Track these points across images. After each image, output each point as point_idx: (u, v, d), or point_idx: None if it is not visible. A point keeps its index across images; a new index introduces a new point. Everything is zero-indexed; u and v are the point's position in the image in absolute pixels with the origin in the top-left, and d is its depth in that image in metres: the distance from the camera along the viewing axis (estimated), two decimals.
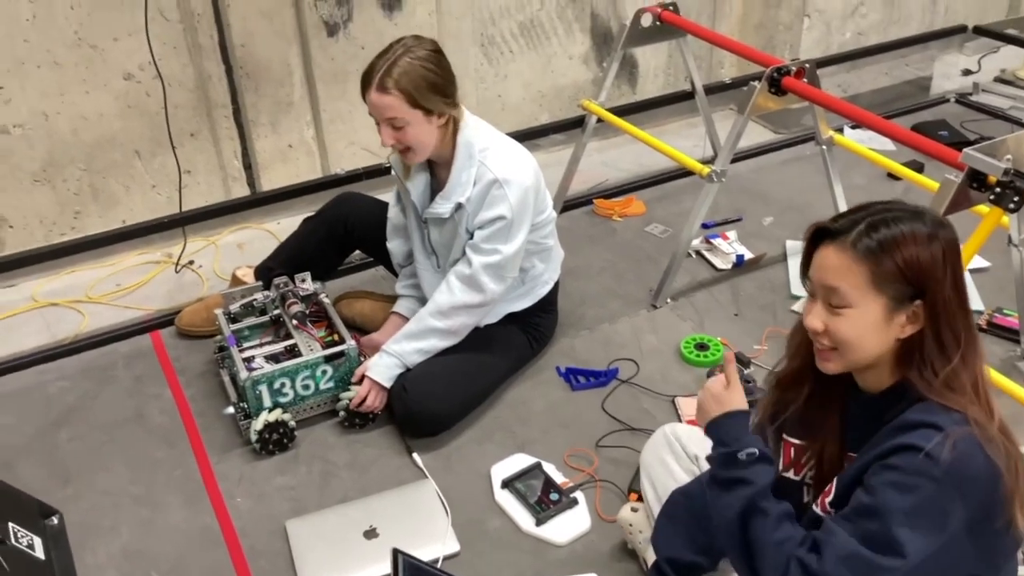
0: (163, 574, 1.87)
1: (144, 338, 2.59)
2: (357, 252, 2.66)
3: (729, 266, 2.86)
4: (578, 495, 2.00)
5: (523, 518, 1.95)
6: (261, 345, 2.29)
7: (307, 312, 2.33)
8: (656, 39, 3.03)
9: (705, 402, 1.42)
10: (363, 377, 2.17)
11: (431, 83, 2.01)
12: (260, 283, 2.42)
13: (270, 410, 2.13)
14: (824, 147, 2.76)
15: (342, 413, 2.20)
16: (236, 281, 2.55)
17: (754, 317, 2.63)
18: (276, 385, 2.14)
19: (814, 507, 1.36)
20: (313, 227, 2.52)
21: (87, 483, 2.09)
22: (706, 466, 1.63)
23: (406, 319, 2.32)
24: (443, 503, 1.99)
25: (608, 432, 2.19)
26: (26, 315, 2.71)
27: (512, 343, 2.36)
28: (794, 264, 2.86)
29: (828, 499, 1.33)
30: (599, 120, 3.01)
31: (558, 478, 2.04)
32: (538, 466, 2.07)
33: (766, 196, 3.29)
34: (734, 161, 2.70)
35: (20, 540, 1.77)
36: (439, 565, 1.84)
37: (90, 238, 2.81)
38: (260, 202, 3.05)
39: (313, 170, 3.19)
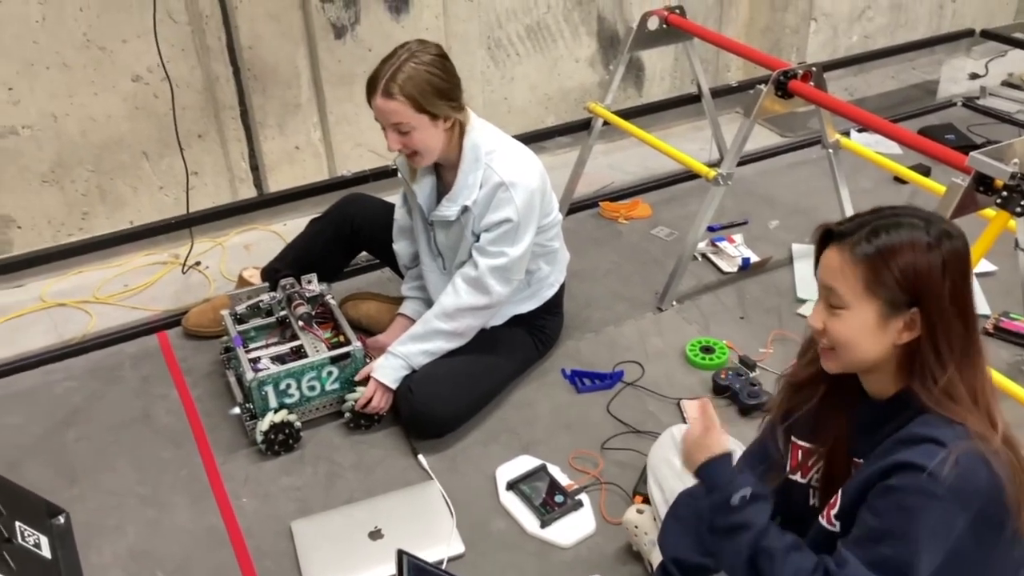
0: (169, 574, 1.88)
1: (151, 339, 2.60)
2: (363, 254, 2.66)
3: (735, 269, 2.86)
4: (583, 497, 2.00)
5: (528, 520, 1.95)
6: (267, 346, 2.30)
7: (313, 313, 2.34)
8: (662, 42, 3.03)
9: (689, 449, 1.44)
10: (368, 378, 2.18)
11: (436, 88, 2.01)
12: (266, 284, 2.43)
13: (276, 411, 2.13)
14: (830, 150, 2.75)
15: (348, 414, 2.21)
16: (243, 282, 2.56)
17: (760, 320, 2.63)
18: (282, 386, 2.15)
19: (820, 519, 1.36)
20: (320, 228, 2.52)
21: (93, 483, 2.10)
22: None
23: (412, 321, 2.32)
24: (448, 504, 1.99)
25: (613, 435, 2.19)
26: (34, 315, 2.72)
27: (518, 345, 2.36)
28: (800, 267, 2.86)
29: (833, 511, 1.33)
30: (605, 123, 3.02)
31: (563, 480, 2.04)
32: (543, 468, 2.07)
33: (772, 199, 3.29)
34: (740, 164, 2.69)
35: (27, 539, 1.78)
36: (444, 566, 1.84)
37: (98, 239, 2.82)
38: (267, 203, 3.06)
39: (320, 172, 3.19)
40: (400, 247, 2.43)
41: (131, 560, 1.91)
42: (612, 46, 3.61)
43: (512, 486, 2.03)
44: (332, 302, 2.39)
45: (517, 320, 2.34)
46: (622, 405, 2.29)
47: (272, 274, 2.46)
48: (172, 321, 2.64)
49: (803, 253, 2.93)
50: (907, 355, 1.28)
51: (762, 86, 2.46)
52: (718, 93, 3.41)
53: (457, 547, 1.89)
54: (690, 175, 3.25)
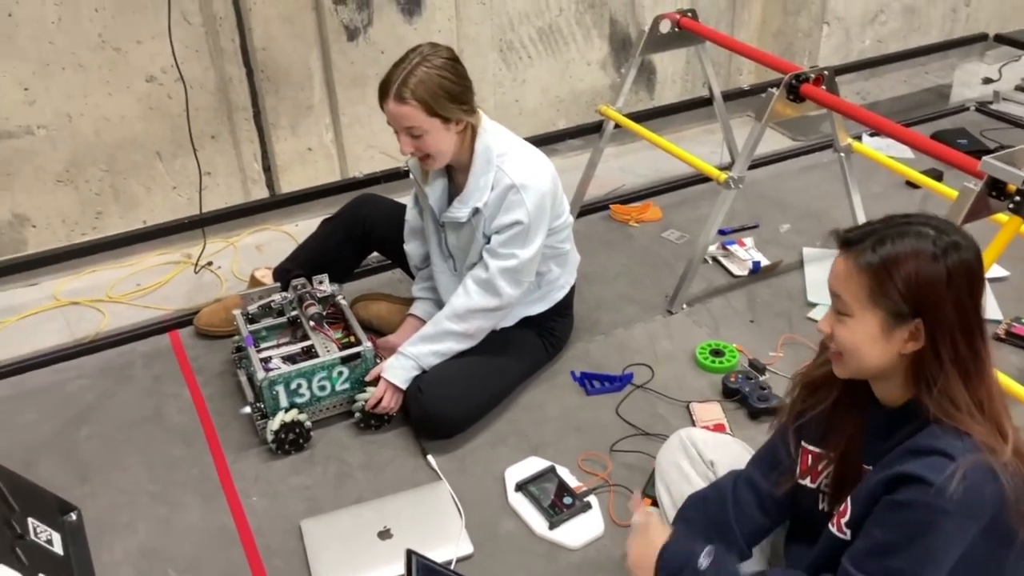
0: (179, 572, 1.89)
1: (163, 338, 2.61)
2: (375, 254, 2.67)
3: (745, 273, 2.85)
4: (592, 499, 2.00)
5: (536, 521, 1.96)
6: (278, 346, 2.31)
7: (324, 314, 2.35)
8: (674, 45, 3.03)
9: (639, 553, 1.46)
10: (379, 378, 2.18)
11: (448, 91, 2.02)
12: (278, 284, 2.44)
13: (286, 410, 2.14)
14: (842, 154, 2.75)
15: (358, 414, 2.22)
16: (254, 282, 2.57)
17: (770, 324, 2.62)
18: (293, 385, 2.16)
19: (830, 527, 1.36)
20: (332, 229, 2.53)
21: (105, 480, 2.11)
22: (722, 471, 1.64)
23: (422, 321, 2.33)
24: (457, 505, 1.99)
25: (622, 437, 2.20)
26: (47, 314, 2.74)
27: (528, 347, 2.36)
28: (811, 271, 2.85)
29: (844, 519, 1.33)
30: (616, 126, 3.02)
31: (572, 482, 2.04)
32: (552, 470, 2.07)
33: (783, 203, 3.28)
34: (751, 168, 2.70)
35: (39, 535, 1.80)
36: (452, 566, 1.84)
37: (111, 238, 2.83)
38: (279, 204, 3.07)
39: (332, 173, 3.21)
40: (411, 248, 2.44)
41: (142, 557, 1.92)
42: (624, 49, 3.61)
43: (521, 487, 2.03)
44: (343, 302, 2.40)
45: (527, 322, 2.35)
46: (631, 408, 2.29)
47: (284, 274, 2.47)
48: (184, 320, 2.65)
49: (814, 257, 2.92)
50: (915, 364, 1.28)
51: (774, 90, 2.46)
52: (730, 96, 3.41)
53: (466, 547, 1.89)
54: (701, 178, 3.24)
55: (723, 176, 2.57)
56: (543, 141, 3.03)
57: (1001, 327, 2.52)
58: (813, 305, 2.69)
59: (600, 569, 1.86)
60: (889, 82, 4.06)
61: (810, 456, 1.48)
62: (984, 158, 1.91)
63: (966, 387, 1.25)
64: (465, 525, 1.94)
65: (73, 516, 1.98)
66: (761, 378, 2.32)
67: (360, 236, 2.51)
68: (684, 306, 2.70)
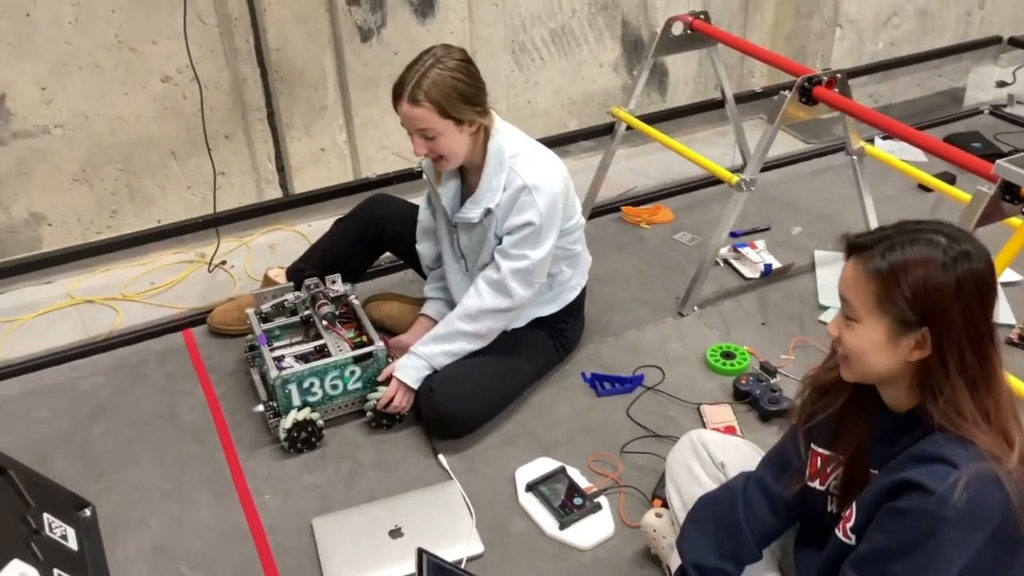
0: (191, 569, 1.90)
1: (176, 336, 2.63)
2: (387, 255, 2.68)
3: (757, 275, 2.85)
4: (602, 500, 2.00)
5: (547, 521, 1.96)
6: (291, 345, 2.32)
7: (337, 313, 2.36)
8: (687, 48, 3.03)
9: None
10: (391, 378, 2.19)
11: (461, 93, 2.02)
12: (291, 284, 2.45)
13: (299, 409, 2.16)
14: (855, 157, 2.75)
15: (369, 413, 2.23)
16: (268, 281, 2.59)
17: (781, 327, 2.62)
18: (305, 384, 2.17)
19: (837, 531, 1.37)
20: (344, 229, 2.54)
21: (118, 478, 2.13)
22: (732, 473, 1.65)
23: (434, 321, 2.34)
24: (468, 504, 2.00)
25: (633, 438, 2.20)
26: (62, 311, 2.77)
27: (539, 348, 2.37)
28: (822, 274, 2.85)
29: (849, 524, 1.34)
30: (628, 127, 3.02)
31: (582, 483, 2.05)
32: (562, 470, 2.08)
33: (795, 206, 3.28)
34: (763, 170, 2.69)
35: (54, 531, 1.81)
36: (463, 566, 1.85)
37: (126, 237, 2.85)
38: (292, 204, 3.09)
39: (345, 173, 3.22)
40: (423, 248, 2.45)
41: (154, 554, 1.93)
42: (636, 51, 3.61)
43: (531, 487, 2.03)
44: (355, 302, 2.41)
45: (538, 323, 2.35)
46: (642, 409, 2.30)
47: (297, 274, 2.48)
48: (197, 319, 2.67)
49: (825, 260, 2.92)
50: (921, 372, 1.27)
51: (786, 92, 2.45)
52: (742, 99, 3.41)
53: (476, 547, 1.90)
54: (713, 180, 3.25)
55: (735, 178, 2.57)
56: (555, 143, 3.03)
57: (1014, 331, 2.51)
58: (824, 308, 2.69)
59: (610, 570, 1.86)
60: (902, 85, 4.05)
61: (820, 458, 1.48)
62: (998, 161, 1.90)
63: (972, 397, 1.24)
64: (476, 525, 1.95)
65: (87, 512, 1.99)
66: (772, 381, 2.32)
67: (372, 236, 2.52)
68: (695, 308, 2.70)
